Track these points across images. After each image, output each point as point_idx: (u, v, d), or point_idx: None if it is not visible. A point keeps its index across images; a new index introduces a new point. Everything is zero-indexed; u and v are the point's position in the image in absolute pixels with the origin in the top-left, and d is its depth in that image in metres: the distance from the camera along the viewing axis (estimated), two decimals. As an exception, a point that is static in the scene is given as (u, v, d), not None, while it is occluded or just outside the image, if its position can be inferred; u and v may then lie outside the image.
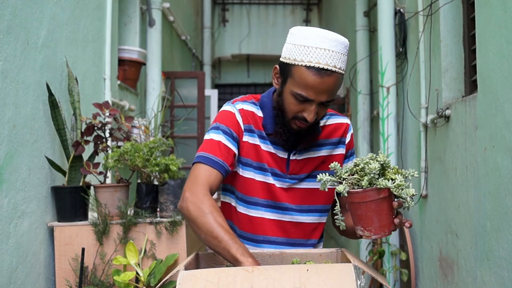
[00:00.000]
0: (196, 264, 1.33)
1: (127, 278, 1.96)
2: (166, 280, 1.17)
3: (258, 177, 1.48)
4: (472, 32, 2.45)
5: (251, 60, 8.31)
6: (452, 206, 2.50)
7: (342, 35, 1.42)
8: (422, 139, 2.95)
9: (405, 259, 3.13)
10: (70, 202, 2.13)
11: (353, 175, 1.19)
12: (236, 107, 1.49)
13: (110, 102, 2.66)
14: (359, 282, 1.03)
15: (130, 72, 3.44)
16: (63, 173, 2.18)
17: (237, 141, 1.46)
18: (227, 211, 1.54)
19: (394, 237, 3.22)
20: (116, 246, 2.10)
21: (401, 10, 3.25)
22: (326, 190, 1.20)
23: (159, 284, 1.20)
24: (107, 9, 2.88)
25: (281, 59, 1.39)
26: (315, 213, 1.52)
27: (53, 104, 2.10)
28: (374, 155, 1.19)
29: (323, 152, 1.52)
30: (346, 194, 1.15)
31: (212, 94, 5.22)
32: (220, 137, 1.43)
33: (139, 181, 2.19)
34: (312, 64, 1.31)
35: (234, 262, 1.22)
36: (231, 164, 1.43)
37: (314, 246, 1.55)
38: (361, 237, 1.20)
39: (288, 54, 1.36)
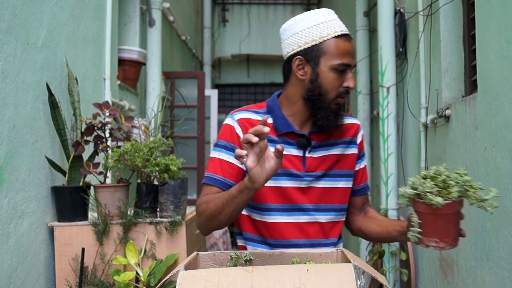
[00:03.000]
0: (196, 264, 1.33)
1: (127, 278, 1.96)
2: (166, 280, 1.17)
3: (268, 183, 1.46)
4: (472, 32, 2.45)
5: (251, 60, 8.31)
6: (452, 206, 2.50)
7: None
8: (422, 139, 2.95)
9: (405, 259, 3.13)
10: (70, 202, 2.13)
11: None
12: (234, 118, 1.52)
13: (110, 102, 2.66)
14: (359, 282, 1.03)
15: (130, 72, 3.43)
16: (63, 173, 2.18)
17: None
18: (244, 223, 1.55)
19: (394, 237, 3.22)
20: (116, 246, 2.10)
21: (401, 10, 3.25)
22: (408, 205, 1.20)
23: (159, 284, 1.20)
24: (107, 9, 2.88)
25: (299, 49, 1.43)
26: (331, 212, 1.53)
27: (53, 104, 2.10)
28: (442, 166, 1.21)
29: (337, 151, 1.54)
30: (439, 206, 1.15)
31: (212, 94, 5.22)
32: (221, 154, 1.49)
33: (139, 181, 2.19)
34: (338, 33, 1.41)
35: (245, 193, 1.29)
36: (235, 177, 1.48)
37: (334, 245, 1.55)
38: (426, 247, 1.21)
39: (306, 39, 1.42)
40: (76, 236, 2.10)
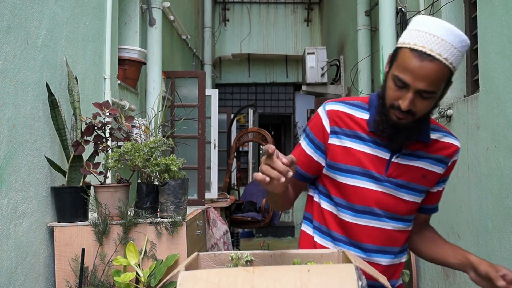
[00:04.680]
0: (196, 264, 1.33)
1: (127, 279, 1.95)
2: (167, 280, 1.16)
3: (346, 180, 1.44)
4: (474, 32, 2.44)
5: (252, 59, 8.30)
6: (454, 206, 2.49)
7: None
8: (424, 139, 2.93)
9: (406, 259, 3.12)
10: (70, 202, 2.12)
11: None
12: (325, 108, 1.47)
13: (110, 102, 2.65)
14: (360, 283, 1.02)
15: (130, 71, 3.43)
16: (63, 173, 2.17)
17: (322, 146, 1.46)
18: (310, 205, 1.57)
19: (395, 237, 3.21)
20: (116, 247, 2.09)
21: (403, 9, 3.24)
22: None
23: (160, 285, 1.19)
24: (107, 8, 2.87)
25: (396, 45, 1.37)
26: (398, 221, 1.46)
27: (53, 104, 2.09)
28: None
29: (426, 165, 1.45)
30: None
31: (212, 93, 5.21)
32: (304, 144, 1.49)
33: (139, 181, 2.18)
34: (416, 47, 1.28)
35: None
36: (308, 167, 1.48)
37: (397, 254, 1.50)
38: None
39: (401, 39, 1.34)
40: (76, 237, 2.09)
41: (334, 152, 1.45)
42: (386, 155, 1.43)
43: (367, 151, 1.43)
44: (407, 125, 1.35)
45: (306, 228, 1.56)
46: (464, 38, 1.29)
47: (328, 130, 1.45)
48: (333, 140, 1.45)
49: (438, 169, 1.46)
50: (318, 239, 1.52)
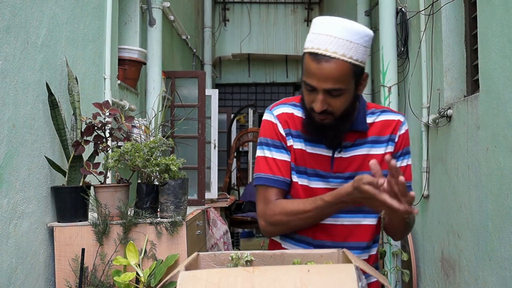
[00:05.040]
0: (196, 264, 1.33)
1: (127, 279, 1.95)
2: (167, 280, 1.16)
3: (301, 180, 1.46)
4: (474, 32, 2.44)
5: (252, 59, 8.30)
6: (454, 207, 2.49)
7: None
8: (424, 139, 2.94)
9: (406, 259, 3.12)
10: (70, 202, 2.12)
11: None
12: (274, 113, 1.49)
13: (110, 102, 2.64)
14: (360, 283, 1.02)
15: (130, 71, 3.43)
16: (63, 173, 2.17)
17: (286, 147, 1.47)
18: None
19: (395, 237, 3.21)
20: (116, 247, 2.09)
21: (403, 9, 3.24)
22: None
23: (160, 285, 1.19)
24: (107, 8, 2.87)
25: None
26: (358, 213, 1.46)
27: (53, 104, 2.09)
28: None
29: (369, 150, 1.45)
30: None
31: (212, 93, 5.21)
32: (273, 153, 1.47)
33: (139, 181, 2.18)
34: (313, 50, 1.30)
35: (341, 201, 1.34)
36: (290, 174, 1.47)
37: (364, 249, 1.48)
38: None
39: (305, 44, 1.36)
40: (76, 237, 2.09)
41: (291, 153, 1.47)
42: (328, 153, 1.45)
43: (311, 151, 1.46)
44: (332, 124, 1.38)
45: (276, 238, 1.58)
46: (361, 31, 1.32)
47: (283, 133, 1.47)
48: (289, 142, 1.48)
49: (382, 150, 1.45)
50: (283, 244, 1.54)
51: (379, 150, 1.45)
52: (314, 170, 1.45)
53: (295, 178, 1.47)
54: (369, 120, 1.47)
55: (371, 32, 1.34)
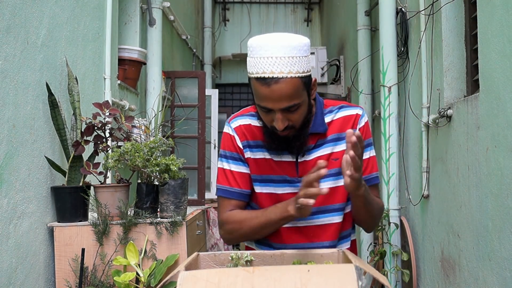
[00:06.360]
0: (196, 264, 1.33)
1: (127, 279, 1.95)
2: (167, 280, 1.16)
3: (265, 189, 1.49)
4: (474, 32, 2.44)
5: (252, 59, 8.29)
6: (454, 207, 2.49)
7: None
8: (424, 139, 2.94)
9: (406, 259, 3.12)
10: (70, 202, 2.12)
11: None
12: (232, 126, 1.53)
13: (110, 102, 2.65)
14: (360, 283, 1.02)
15: (130, 71, 3.43)
16: (63, 173, 2.17)
17: (244, 160, 1.51)
18: None
19: (395, 238, 3.21)
20: (116, 247, 2.09)
21: (403, 9, 3.24)
22: None
23: (160, 285, 1.19)
24: (107, 8, 2.87)
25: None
26: (332, 213, 1.49)
27: (53, 104, 2.09)
28: None
29: (332, 149, 1.47)
30: None
31: (212, 93, 5.21)
32: (231, 166, 1.51)
33: (139, 181, 2.18)
34: (259, 75, 1.31)
35: (285, 218, 1.39)
36: (249, 185, 1.51)
37: (335, 247, 1.51)
38: None
39: (248, 67, 1.36)
40: (76, 237, 2.09)
41: (251, 165, 1.51)
42: (292, 158, 1.48)
43: (275, 158, 1.48)
44: (296, 135, 1.41)
45: (249, 243, 1.62)
46: (297, 43, 1.31)
47: (241, 146, 1.51)
48: (247, 154, 1.50)
49: (345, 146, 1.44)
50: (250, 245, 1.59)
51: (342, 147, 1.47)
52: (282, 177, 1.48)
53: (258, 189, 1.51)
54: (328, 118, 1.50)
55: (306, 40, 1.35)
